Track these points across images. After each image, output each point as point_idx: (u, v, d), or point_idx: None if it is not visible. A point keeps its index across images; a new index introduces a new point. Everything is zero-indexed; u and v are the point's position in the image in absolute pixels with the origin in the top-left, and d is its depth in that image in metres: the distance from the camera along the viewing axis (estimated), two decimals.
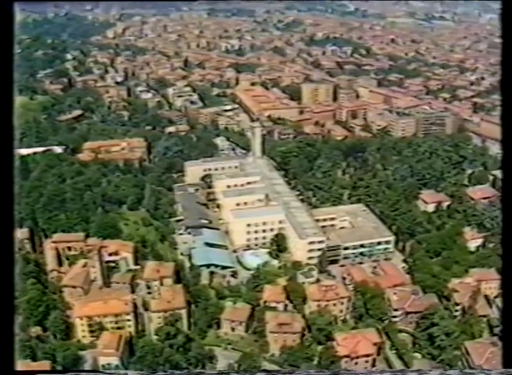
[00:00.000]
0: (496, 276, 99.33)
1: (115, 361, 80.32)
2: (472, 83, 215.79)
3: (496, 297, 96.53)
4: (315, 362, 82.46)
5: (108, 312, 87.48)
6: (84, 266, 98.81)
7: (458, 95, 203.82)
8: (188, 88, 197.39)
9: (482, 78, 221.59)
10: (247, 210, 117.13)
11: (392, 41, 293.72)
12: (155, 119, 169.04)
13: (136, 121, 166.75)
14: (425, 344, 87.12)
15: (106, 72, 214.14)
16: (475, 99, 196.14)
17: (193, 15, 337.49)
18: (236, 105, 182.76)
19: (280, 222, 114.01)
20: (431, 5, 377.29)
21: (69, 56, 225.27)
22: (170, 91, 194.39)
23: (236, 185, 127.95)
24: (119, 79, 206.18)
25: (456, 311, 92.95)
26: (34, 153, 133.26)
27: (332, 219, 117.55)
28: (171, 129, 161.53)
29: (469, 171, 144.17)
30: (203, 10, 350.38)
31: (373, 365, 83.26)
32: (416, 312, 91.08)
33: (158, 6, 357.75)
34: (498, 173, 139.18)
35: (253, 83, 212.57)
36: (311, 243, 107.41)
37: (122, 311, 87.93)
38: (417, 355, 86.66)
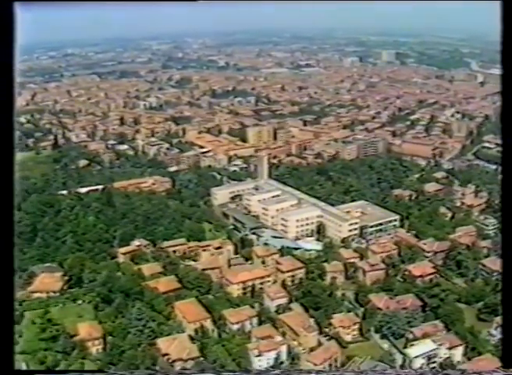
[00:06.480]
0: (474, 229, 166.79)
1: (285, 301, 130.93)
2: (374, 117, 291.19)
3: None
4: (400, 283, 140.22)
5: (255, 277, 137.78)
6: (212, 255, 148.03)
7: (368, 127, 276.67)
8: (154, 139, 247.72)
9: (379, 112, 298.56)
10: (292, 211, 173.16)
11: (282, 88, 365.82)
12: (153, 162, 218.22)
13: (138, 166, 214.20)
14: (455, 268, 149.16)
15: (64, 132, 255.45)
16: (386, 128, 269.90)
17: (87, 79, 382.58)
18: (210, 148, 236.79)
19: (318, 216, 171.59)
20: (292, 55, 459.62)
21: (23, 120, 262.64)
22: (139, 142, 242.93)
23: (264, 199, 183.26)
24: (83, 136, 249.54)
25: (464, 249, 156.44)
26: (95, 189, 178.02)
27: (348, 212, 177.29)
28: (173, 168, 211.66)
29: (416, 175, 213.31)
30: (92, 74, 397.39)
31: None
32: (442, 251, 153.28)
33: (40, 74, 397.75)
34: (437, 175, 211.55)
35: (199, 132, 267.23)
36: (351, 224, 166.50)
37: (264, 274, 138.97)
38: (451, 274, 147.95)
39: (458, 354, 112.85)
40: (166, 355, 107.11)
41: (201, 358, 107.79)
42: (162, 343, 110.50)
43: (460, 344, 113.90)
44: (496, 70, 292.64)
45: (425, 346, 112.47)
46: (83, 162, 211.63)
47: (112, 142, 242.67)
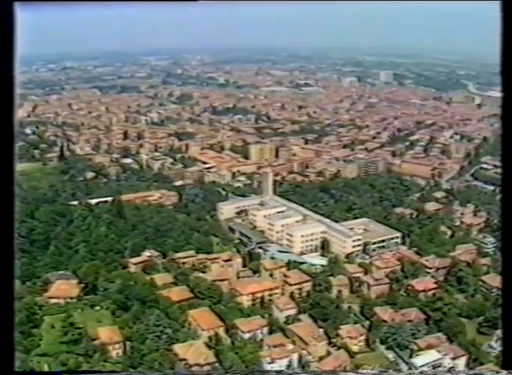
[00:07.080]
0: (474, 247, 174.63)
1: (293, 312, 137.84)
2: (374, 137, 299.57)
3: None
4: (403, 297, 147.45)
5: (264, 289, 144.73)
6: (222, 267, 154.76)
7: (368, 147, 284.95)
8: (158, 153, 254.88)
9: (379, 132, 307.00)
10: (297, 227, 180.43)
11: (282, 107, 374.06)
12: (158, 177, 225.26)
13: (144, 179, 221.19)
14: (455, 283, 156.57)
15: (68, 144, 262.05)
16: (386, 148, 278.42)
17: (87, 92, 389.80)
18: (214, 164, 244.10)
19: (322, 232, 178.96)
20: (290, 74, 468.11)
21: (28, 131, 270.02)
22: (143, 156, 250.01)
23: (270, 214, 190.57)
24: (88, 149, 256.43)
25: (464, 266, 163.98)
26: (104, 201, 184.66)
27: (351, 228, 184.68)
28: (179, 183, 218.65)
29: (417, 194, 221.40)
30: (92, 88, 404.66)
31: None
32: (444, 268, 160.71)
33: (40, 86, 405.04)
34: (437, 194, 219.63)
35: (202, 148, 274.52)
36: (354, 240, 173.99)
37: (273, 286, 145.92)
38: (452, 289, 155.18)
39: (461, 364, 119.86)
40: (184, 360, 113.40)
41: (217, 364, 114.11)
42: (179, 349, 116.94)
43: (463, 355, 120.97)
44: (493, 93, 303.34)
45: (430, 356, 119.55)
46: (90, 175, 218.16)
47: (116, 156, 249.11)
